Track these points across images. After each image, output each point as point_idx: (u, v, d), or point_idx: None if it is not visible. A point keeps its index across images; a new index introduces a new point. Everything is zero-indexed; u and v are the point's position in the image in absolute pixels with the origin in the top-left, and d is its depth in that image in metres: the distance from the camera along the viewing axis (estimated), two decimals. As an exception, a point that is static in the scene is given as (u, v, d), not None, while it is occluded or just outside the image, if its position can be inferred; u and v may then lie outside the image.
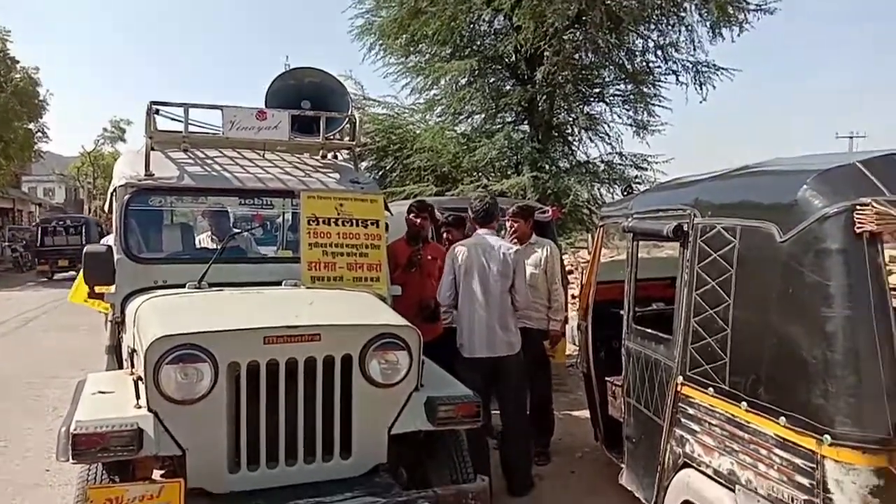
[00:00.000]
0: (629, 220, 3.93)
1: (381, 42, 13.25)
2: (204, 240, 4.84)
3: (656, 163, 13.11)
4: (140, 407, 2.89)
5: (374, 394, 3.09)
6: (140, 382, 2.96)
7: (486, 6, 11.96)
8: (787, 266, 2.63)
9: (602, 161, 13.26)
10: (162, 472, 3.26)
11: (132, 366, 3.42)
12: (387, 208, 4.41)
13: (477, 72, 12.64)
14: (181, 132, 4.29)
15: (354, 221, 4.15)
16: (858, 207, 2.44)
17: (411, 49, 13.11)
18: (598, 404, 4.68)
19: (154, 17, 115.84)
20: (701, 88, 12.53)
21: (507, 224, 5.18)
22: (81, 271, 5.12)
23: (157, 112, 4.27)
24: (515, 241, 5.09)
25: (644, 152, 13.14)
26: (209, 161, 4.39)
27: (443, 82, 12.91)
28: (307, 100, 4.62)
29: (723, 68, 12.47)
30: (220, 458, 2.91)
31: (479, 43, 13.08)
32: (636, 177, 13.08)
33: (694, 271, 3.20)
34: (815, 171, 2.67)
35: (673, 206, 3.51)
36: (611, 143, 13.34)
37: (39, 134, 24.88)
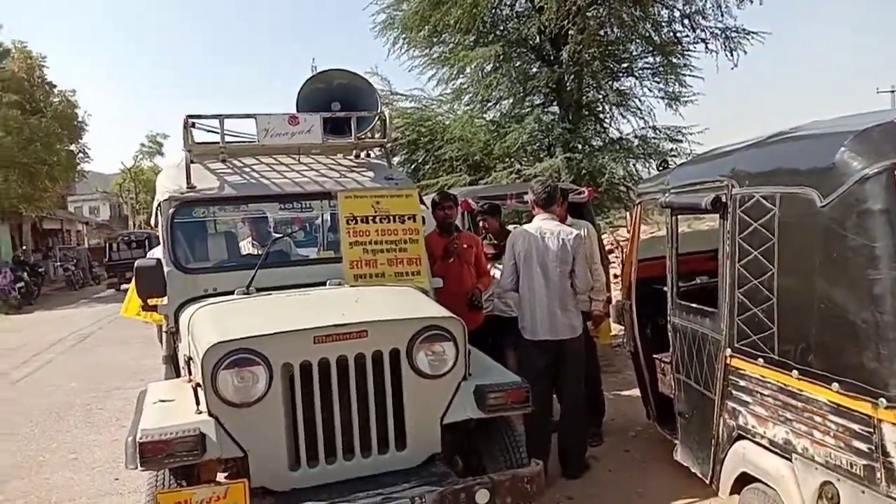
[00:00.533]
0: (666, 195, 3.91)
1: (404, 36, 13.22)
2: (245, 246, 4.96)
3: (691, 134, 12.82)
4: (201, 412, 2.99)
5: (424, 385, 3.15)
6: (199, 388, 3.06)
7: (506, -11, 11.88)
8: (829, 230, 2.60)
9: (636, 136, 13.04)
10: (225, 474, 3.36)
11: (190, 373, 3.53)
12: (422, 202, 4.46)
13: (502, 57, 12.52)
14: (218, 143, 4.38)
15: (391, 217, 4.21)
16: (899, 166, 2.40)
17: (435, 40, 13.05)
18: (647, 382, 4.68)
19: (181, 30, 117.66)
20: (732, 55, 12.21)
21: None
22: (132, 285, 5.31)
23: (193, 125, 4.38)
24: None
25: (678, 124, 12.89)
26: (247, 169, 4.49)
27: (468, 70, 12.83)
28: (337, 101, 4.68)
29: (753, 32, 12.16)
30: (280, 457, 3.00)
31: (502, 28, 12.97)
32: (672, 150, 12.86)
33: (735, 242, 3.18)
34: (851, 132, 2.63)
35: (710, 178, 3.48)
36: (643, 118, 13.08)
37: (81, 154, 25.60)
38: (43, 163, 21.62)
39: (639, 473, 4.65)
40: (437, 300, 4.75)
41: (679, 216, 3.97)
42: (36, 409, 7.58)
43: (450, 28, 12.37)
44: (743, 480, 3.24)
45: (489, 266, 5.43)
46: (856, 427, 2.51)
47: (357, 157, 4.80)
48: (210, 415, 2.94)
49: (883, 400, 2.38)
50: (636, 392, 5.13)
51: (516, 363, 4.83)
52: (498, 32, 12.77)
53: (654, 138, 13.08)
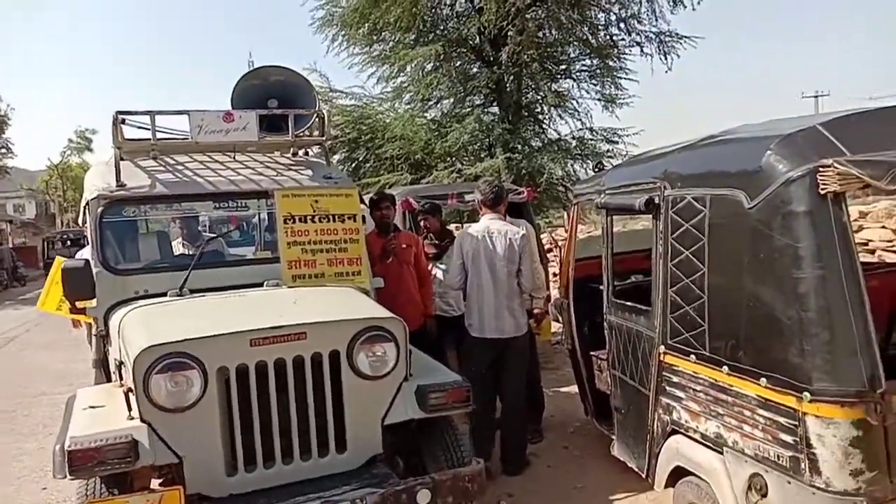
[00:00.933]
0: (602, 196, 3.99)
1: (343, 32, 13.12)
2: (177, 246, 4.83)
3: (627, 136, 13.14)
4: (133, 418, 2.90)
5: (365, 386, 3.13)
6: (131, 394, 2.96)
7: (447, -11, 11.92)
8: (756, 231, 2.69)
9: (573, 137, 13.27)
10: (160, 480, 3.27)
11: (121, 378, 3.42)
12: (362, 201, 4.43)
13: (442, 56, 12.54)
14: (149, 140, 4.25)
15: (331, 217, 4.16)
16: (821, 169, 2.51)
17: (375, 38, 12.99)
18: (585, 379, 4.75)
19: (113, 20, 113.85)
20: (666, 58, 12.56)
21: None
22: (50, 278, 5.11)
23: (123, 122, 4.23)
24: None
25: (614, 126, 13.20)
26: (180, 167, 4.37)
27: (409, 69, 12.82)
28: (274, 98, 4.60)
29: (686, 37, 12.54)
30: (216, 462, 2.93)
31: (442, 27, 13.01)
32: (608, 151, 13.13)
33: (668, 242, 3.26)
34: (777, 136, 2.73)
35: (643, 180, 3.56)
36: (581, 119, 13.33)
37: (3, 150, 24.48)
38: (-39, 158, 20.64)
39: (577, 469, 4.72)
40: (379, 300, 4.77)
41: (614, 216, 4.05)
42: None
43: (390, 26, 12.34)
44: (677, 474, 3.34)
45: (430, 266, 5.44)
46: (782, 420, 2.61)
47: (295, 154, 4.73)
48: (143, 420, 2.85)
49: (807, 394, 2.49)
50: (575, 389, 5.21)
51: (458, 362, 4.86)
52: (438, 32, 12.81)
53: (592, 139, 13.34)
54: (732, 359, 2.85)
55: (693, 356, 3.10)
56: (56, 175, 47.88)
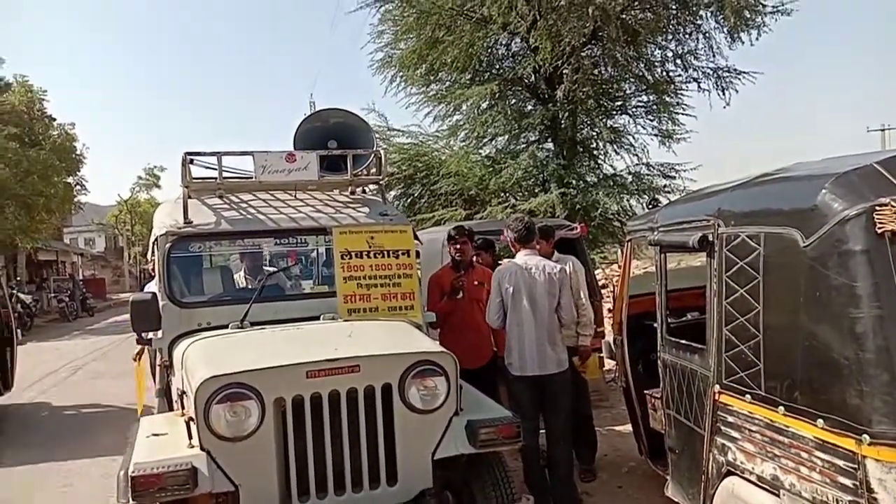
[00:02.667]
0: (655, 233, 3.99)
1: (401, 74, 13.47)
2: (239, 280, 5.00)
3: (684, 171, 13.05)
4: (193, 446, 3.01)
5: (416, 420, 3.18)
6: (192, 423, 3.08)
7: (502, 30, 12.13)
8: (812, 270, 2.66)
9: (629, 172, 13.23)
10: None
11: (182, 407, 3.55)
12: (416, 237, 4.52)
13: (498, 95, 12.74)
14: (216, 179, 4.45)
15: (386, 253, 4.27)
16: (878, 208, 2.48)
17: (431, 78, 13.29)
18: (639, 417, 4.69)
19: (181, 65, 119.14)
20: (723, 94, 12.49)
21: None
22: None
23: (191, 161, 4.45)
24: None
25: (671, 161, 13.12)
26: (244, 205, 4.55)
27: (464, 107, 13.06)
28: (334, 139, 4.78)
29: (744, 72, 12.43)
30: (271, 491, 3.01)
31: (497, 66, 13.23)
32: (665, 186, 13.04)
33: (722, 280, 3.24)
34: (833, 174, 2.71)
35: (697, 217, 3.55)
36: (637, 155, 13.30)
37: (78, 187, 25.65)
38: (40, 195, 21.66)
39: (632, 510, 4.65)
40: (442, 337, 4.88)
41: (668, 254, 4.03)
42: (26, 440, 7.52)
43: (446, 67, 12.62)
44: (733, 517, 3.26)
45: None
46: (840, 463, 2.54)
47: (352, 193, 4.88)
48: (202, 449, 2.96)
49: (866, 436, 2.42)
50: (630, 428, 5.14)
51: (508, 399, 4.85)
52: (494, 71, 13.03)
53: (648, 174, 13.26)
54: (789, 399, 2.80)
55: (748, 396, 3.05)
56: (125, 210, 49.81)
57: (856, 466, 2.48)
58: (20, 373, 12.09)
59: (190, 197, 4.43)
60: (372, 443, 3.15)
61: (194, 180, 4.50)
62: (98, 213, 51.69)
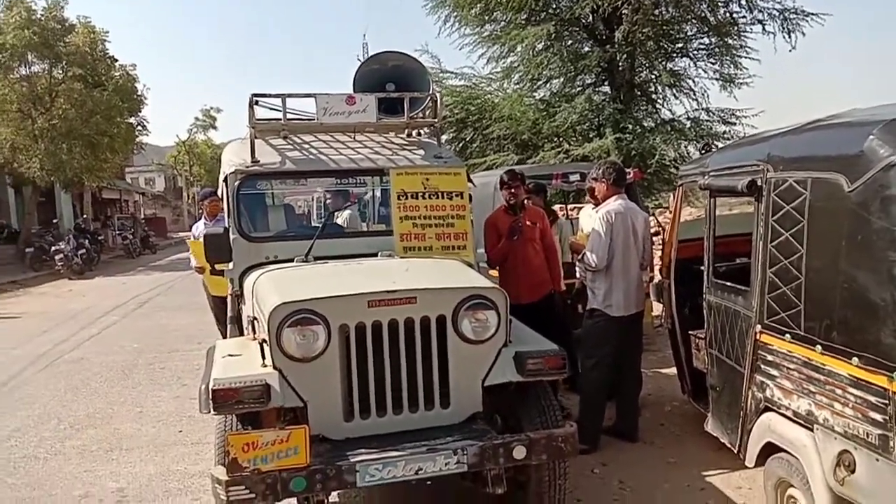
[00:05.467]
0: (706, 177, 4.06)
1: (455, 13, 13.37)
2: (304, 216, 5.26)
3: (745, 117, 12.79)
4: (266, 366, 3.29)
5: (467, 350, 3.40)
6: (265, 344, 3.36)
7: (561, -31, 11.88)
8: (855, 214, 2.75)
9: (688, 118, 13.02)
10: (284, 425, 3.67)
11: (254, 332, 3.84)
12: (469, 180, 4.67)
13: (554, 36, 12.56)
14: (280, 120, 4.66)
15: (440, 194, 4.44)
16: (922, 154, 2.53)
17: (486, 18, 13.14)
18: (683, 358, 4.85)
19: (234, 11, 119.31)
20: (789, 36, 12.10)
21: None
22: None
23: (257, 103, 4.65)
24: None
25: (732, 106, 12.83)
26: (306, 146, 4.76)
27: (519, 49, 12.91)
28: (391, 82, 4.91)
29: (812, 14, 12.00)
30: (336, 408, 3.29)
31: (554, 6, 12.99)
32: (724, 132, 12.81)
33: (769, 224, 3.33)
34: (880, 121, 2.76)
35: (747, 163, 3.62)
36: (696, 99, 13.08)
37: (140, 127, 26.28)
38: (104, 134, 22.33)
39: (672, 445, 4.84)
40: (502, 275, 5.22)
41: (718, 198, 4.11)
42: (103, 367, 8.10)
43: (502, 6, 12.48)
44: (768, 450, 3.42)
45: None
46: (873, 399, 2.67)
47: (409, 135, 5.03)
48: (274, 368, 3.24)
49: (898, 373, 2.54)
50: (674, 370, 5.30)
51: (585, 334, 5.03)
52: (550, 11, 12.81)
53: (707, 120, 13.05)
54: (826, 338, 2.92)
55: (788, 335, 3.17)
56: (183, 151, 50.94)
57: (887, 402, 2.60)
58: (90, 304, 12.87)
59: (256, 137, 4.65)
60: (427, 368, 3.38)
61: (260, 121, 4.71)
62: (158, 153, 53.02)
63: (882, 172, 2.63)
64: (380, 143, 4.91)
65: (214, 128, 51.43)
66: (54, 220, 25.06)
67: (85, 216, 28.67)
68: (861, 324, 2.73)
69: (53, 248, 19.80)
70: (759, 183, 3.41)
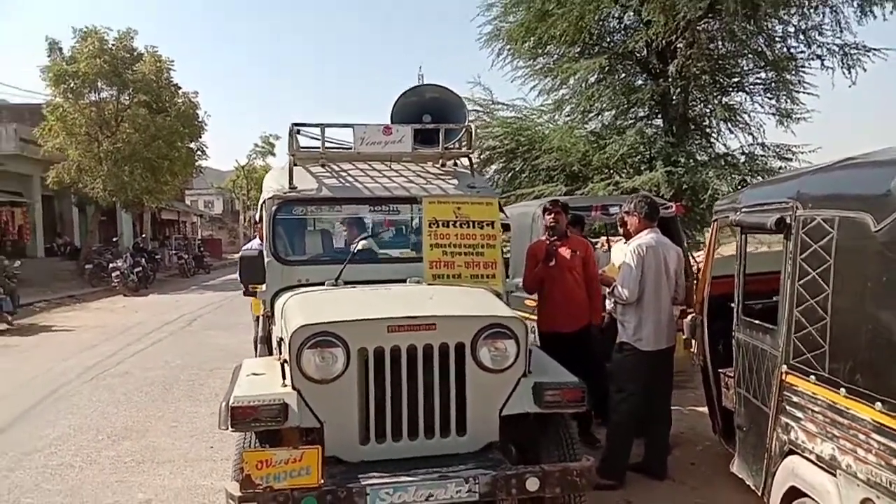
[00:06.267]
0: (737, 213, 4.01)
1: (508, 47, 13.48)
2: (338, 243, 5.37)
3: (801, 153, 12.48)
4: (286, 386, 3.37)
5: (486, 378, 3.41)
6: (286, 365, 3.43)
7: (614, 3, 11.91)
8: (881, 255, 2.68)
9: (742, 153, 12.79)
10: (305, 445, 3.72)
11: (280, 352, 3.93)
12: (501, 210, 4.71)
13: (607, 69, 12.55)
14: (319, 149, 4.79)
15: (471, 223, 4.48)
16: (949, 195, 2.47)
17: (539, 51, 13.22)
18: (714, 396, 4.74)
19: (290, 38, 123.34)
20: (849, 72, 11.83)
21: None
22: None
23: (298, 132, 4.81)
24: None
25: (788, 142, 12.56)
26: (343, 174, 4.88)
27: (571, 81, 12.91)
28: (428, 113, 5.01)
29: (874, 49, 11.71)
30: (352, 431, 3.33)
31: (608, 40, 13.01)
32: (780, 168, 12.52)
33: (797, 262, 3.26)
34: (908, 160, 2.70)
35: (777, 200, 3.56)
36: (752, 134, 12.83)
37: (199, 152, 27.21)
38: (165, 158, 23.24)
39: (702, 484, 4.72)
40: (540, 303, 5.37)
41: (749, 235, 4.05)
42: (146, 382, 8.36)
43: (555, 40, 12.54)
44: (792, 495, 3.31)
45: None
46: (895, 445, 2.58)
47: (443, 165, 5.11)
48: (294, 388, 3.31)
49: (920, 420, 2.45)
50: (709, 409, 5.18)
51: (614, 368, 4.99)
52: (604, 45, 12.84)
53: (763, 155, 12.79)
54: (850, 381, 2.83)
55: (813, 377, 3.09)
56: (242, 176, 52.33)
57: (909, 450, 2.51)
58: (141, 320, 13.25)
59: (295, 164, 4.79)
60: (444, 395, 3.40)
61: (300, 149, 4.85)
62: (218, 177, 54.63)
63: (907, 213, 2.57)
64: (415, 173, 5.00)
65: (273, 154, 52.62)
66: (114, 239, 26.09)
67: (144, 235, 29.68)
68: (885, 367, 2.65)
69: (111, 266, 20.57)
70: (787, 220, 3.35)
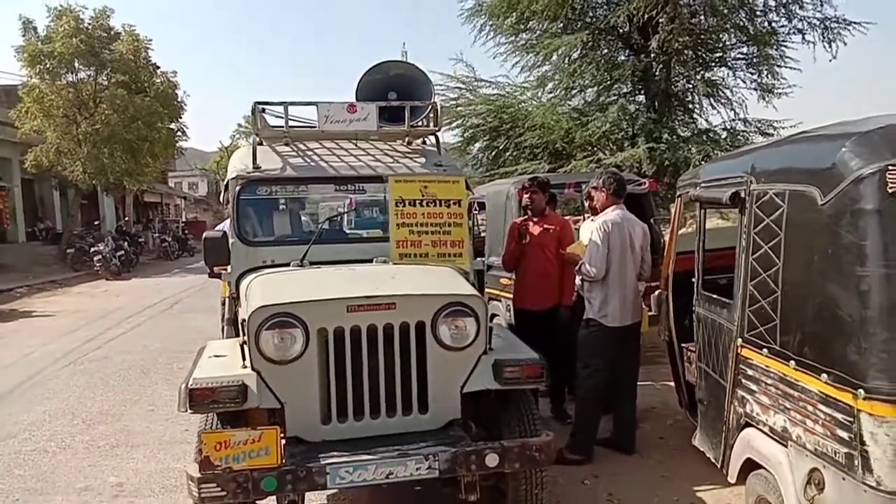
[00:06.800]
0: (696, 188, 4.03)
1: (490, 23, 13.36)
2: (305, 223, 5.38)
3: (783, 128, 12.49)
4: (246, 367, 3.37)
5: (446, 356, 3.43)
6: (245, 346, 3.43)
7: (595, -24, 11.81)
8: (826, 228, 2.70)
9: (724, 128, 12.79)
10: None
11: (244, 334, 3.93)
12: (468, 188, 4.70)
13: (589, 45, 12.47)
14: (282, 128, 4.74)
15: (438, 202, 4.46)
16: (891, 167, 2.49)
17: (521, 27, 13.09)
18: (680, 371, 4.79)
19: (271, 16, 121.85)
20: (830, 46, 11.83)
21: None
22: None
23: (263, 111, 4.76)
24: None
25: (770, 117, 12.58)
26: (309, 153, 4.84)
27: (554, 58, 12.82)
28: (394, 91, 4.97)
29: (854, 22, 11.71)
30: (313, 411, 3.34)
31: (590, 15, 12.91)
32: (762, 143, 12.47)
33: (751, 237, 3.29)
34: (854, 133, 2.72)
35: (733, 175, 3.58)
36: (734, 109, 12.83)
37: (179, 133, 26.95)
38: (145, 139, 22.93)
39: (668, 459, 4.78)
40: (516, 279, 5.42)
41: (708, 209, 4.07)
42: (123, 366, 8.35)
43: (537, 15, 12.43)
44: (749, 467, 3.37)
45: None
46: (840, 416, 2.62)
47: (409, 143, 5.08)
48: (253, 369, 3.31)
49: (861, 391, 2.49)
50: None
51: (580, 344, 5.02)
52: (586, 20, 12.75)
53: (744, 131, 12.78)
54: (799, 354, 2.87)
55: (765, 350, 3.13)
56: (226, 157, 51.97)
57: (852, 420, 2.56)
58: (122, 304, 13.21)
59: (261, 143, 4.75)
60: (406, 374, 3.41)
61: (264, 128, 4.80)
62: (202, 158, 54.28)
63: (852, 185, 2.59)
64: (382, 151, 4.97)
65: (257, 134, 52.30)
66: (97, 223, 25.83)
67: (126, 219, 29.46)
68: (830, 339, 2.68)
69: (93, 250, 20.41)
70: (742, 195, 3.38)
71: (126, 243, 21.98)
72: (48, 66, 21.23)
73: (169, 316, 12.48)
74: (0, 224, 22.81)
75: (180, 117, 26.04)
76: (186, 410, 3.23)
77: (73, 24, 21.50)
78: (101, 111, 22.16)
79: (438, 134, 5.04)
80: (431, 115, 4.93)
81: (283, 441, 3.23)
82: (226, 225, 6.38)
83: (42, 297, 15.95)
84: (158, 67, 24.87)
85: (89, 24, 22.27)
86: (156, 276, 20.59)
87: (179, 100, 25.44)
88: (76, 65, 22.06)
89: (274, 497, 3.25)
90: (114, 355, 8.98)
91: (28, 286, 17.36)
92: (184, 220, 41.06)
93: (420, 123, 4.93)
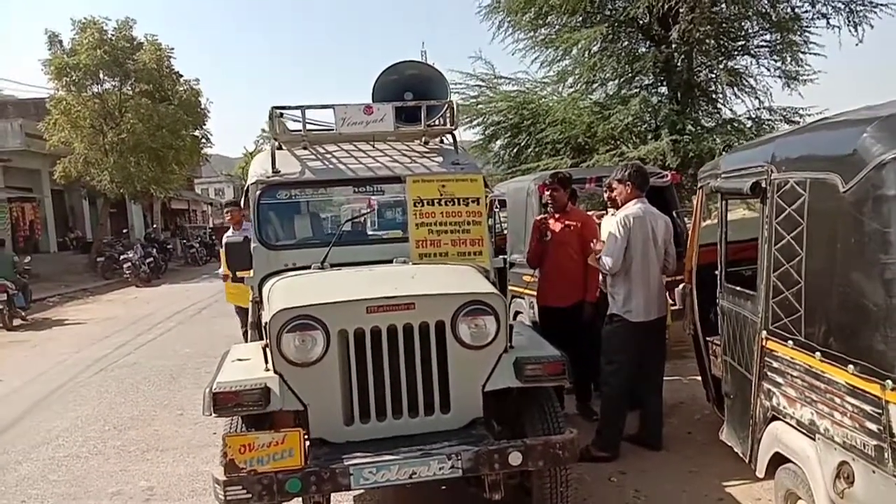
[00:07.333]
0: (717, 179, 3.97)
1: (509, 19, 13.30)
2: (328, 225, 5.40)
3: (809, 115, 12.27)
4: (268, 370, 3.40)
5: (467, 355, 3.42)
6: (267, 349, 3.46)
7: (613, -32, 11.70)
8: (849, 216, 2.65)
9: (749, 118, 12.60)
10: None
11: (266, 337, 3.96)
12: (487, 186, 4.69)
13: (609, 37, 12.34)
14: (300, 131, 4.77)
15: (456, 200, 4.46)
16: (914, 152, 2.43)
17: (540, 22, 13.01)
18: (707, 365, 4.73)
19: (295, 20, 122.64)
20: (855, 29, 11.58)
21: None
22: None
23: (280, 115, 4.79)
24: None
25: (795, 105, 12.35)
26: (327, 155, 4.86)
27: (574, 52, 12.70)
28: (409, 91, 4.97)
29: (881, 4, 11.45)
30: (336, 412, 3.36)
31: (609, 7, 12.76)
32: (782, 132, 12.25)
33: (773, 227, 3.23)
34: (875, 118, 2.66)
35: (754, 164, 3.53)
36: (758, 98, 12.62)
37: (204, 140, 27.21)
38: (170, 147, 23.25)
39: (696, 454, 4.73)
40: (539, 276, 5.42)
41: (730, 200, 4.01)
42: (153, 371, 8.48)
43: (555, 10, 12.35)
44: (777, 461, 3.31)
45: None
46: (868, 408, 2.56)
47: (426, 143, 5.08)
48: (275, 372, 3.34)
49: (889, 382, 2.43)
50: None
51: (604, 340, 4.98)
52: (605, 13, 12.62)
53: (769, 119, 12.56)
54: (825, 345, 2.81)
55: (791, 342, 3.07)
56: (251, 161, 52.44)
57: (881, 411, 2.49)
58: (152, 311, 13.38)
59: (280, 148, 4.79)
60: (426, 374, 3.42)
61: (283, 133, 4.84)
62: (228, 164, 54.84)
63: (875, 171, 2.53)
64: (400, 152, 4.97)
65: (279, 139, 52.66)
66: (125, 231, 26.23)
67: (154, 226, 29.86)
68: (856, 330, 2.63)
69: (122, 258, 20.74)
70: (762, 184, 3.32)
71: (155, 250, 22.32)
72: (74, 77, 21.63)
73: (197, 321, 12.64)
74: (32, 234, 23.29)
75: (204, 124, 26.31)
76: (211, 414, 3.26)
77: (97, 35, 21.88)
78: (126, 121, 22.48)
79: (455, 132, 5.03)
80: (448, 113, 4.92)
81: (307, 443, 3.27)
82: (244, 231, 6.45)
83: (74, 306, 16.27)
84: (181, 76, 25.20)
85: (112, 35, 22.65)
86: (184, 282, 20.85)
87: (203, 107, 25.71)
88: (101, 76, 22.44)
89: (300, 498, 3.28)
90: (144, 361, 9.12)
91: (60, 295, 17.71)
92: (210, 225, 41.45)
93: (437, 122, 4.93)
